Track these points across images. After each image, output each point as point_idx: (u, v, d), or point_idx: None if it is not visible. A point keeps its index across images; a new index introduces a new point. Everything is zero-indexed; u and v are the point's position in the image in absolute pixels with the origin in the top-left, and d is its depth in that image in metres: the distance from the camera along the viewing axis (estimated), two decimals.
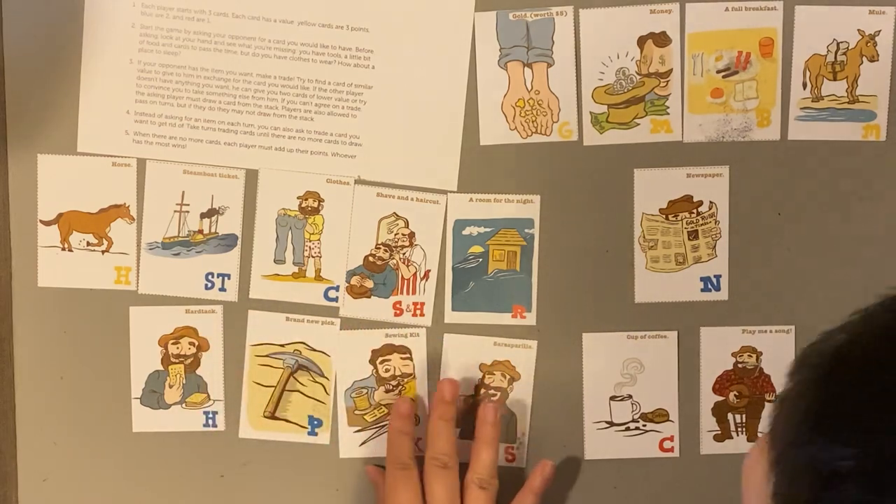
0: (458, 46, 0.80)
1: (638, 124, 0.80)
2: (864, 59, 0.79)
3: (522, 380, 0.82)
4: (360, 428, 0.83)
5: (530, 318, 0.82)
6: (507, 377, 0.82)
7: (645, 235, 0.81)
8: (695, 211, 0.81)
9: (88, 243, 0.82)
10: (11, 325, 0.82)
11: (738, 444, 0.82)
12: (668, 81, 0.80)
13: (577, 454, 0.82)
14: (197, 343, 0.82)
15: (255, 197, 0.81)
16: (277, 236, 0.82)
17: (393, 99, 0.80)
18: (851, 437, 0.45)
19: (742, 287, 0.81)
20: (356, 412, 0.83)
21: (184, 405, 0.83)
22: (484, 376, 0.82)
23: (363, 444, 0.83)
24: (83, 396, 0.83)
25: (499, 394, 0.82)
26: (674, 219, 0.81)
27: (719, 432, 0.82)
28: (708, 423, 0.82)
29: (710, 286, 0.81)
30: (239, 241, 0.82)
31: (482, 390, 0.82)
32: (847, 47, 0.79)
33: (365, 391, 0.82)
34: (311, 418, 0.83)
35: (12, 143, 0.81)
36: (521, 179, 0.81)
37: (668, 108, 0.80)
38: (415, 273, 0.82)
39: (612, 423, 0.82)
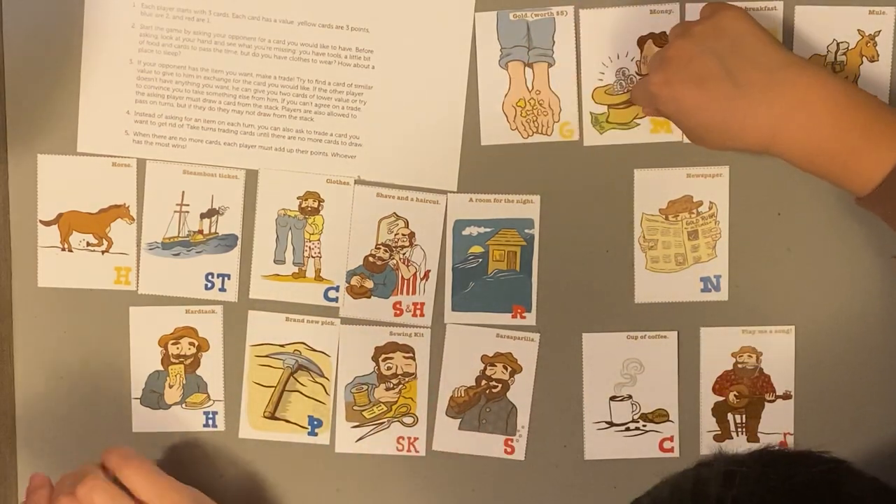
0: (458, 46, 0.80)
1: (638, 124, 0.80)
2: (864, 59, 0.79)
3: (524, 372, 0.82)
4: (357, 424, 0.83)
5: (530, 319, 0.82)
6: (509, 369, 0.82)
7: (645, 235, 0.81)
8: (695, 211, 0.81)
9: (88, 243, 0.82)
10: (11, 325, 0.82)
11: (738, 444, 0.82)
12: None
13: (577, 454, 0.83)
14: (197, 343, 0.82)
15: (255, 197, 0.81)
16: (277, 236, 0.82)
17: (393, 99, 0.80)
18: None
19: (742, 287, 0.81)
20: (355, 408, 0.83)
21: (184, 405, 0.83)
22: (486, 367, 0.82)
23: (360, 440, 0.83)
24: (83, 396, 0.83)
25: (500, 385, 0.82)
26: (674, 219, 0.81)
27: (719, 432, 0.82)
28: (708, 423, 0.82)
29: (710, 286, 0.81)
30: (239, 242, 0.82)
31: (483, 382, 0.82)
32: (847, 47, 0.79)
33: (365, 387, 0.82)
34: (311, 418, 0.83)
35: (12, 143, 0.81)
36: (521, 179, 0.81)
37: None
38: (415, 273, 0.82)
39: (612, 424, 0.82)
